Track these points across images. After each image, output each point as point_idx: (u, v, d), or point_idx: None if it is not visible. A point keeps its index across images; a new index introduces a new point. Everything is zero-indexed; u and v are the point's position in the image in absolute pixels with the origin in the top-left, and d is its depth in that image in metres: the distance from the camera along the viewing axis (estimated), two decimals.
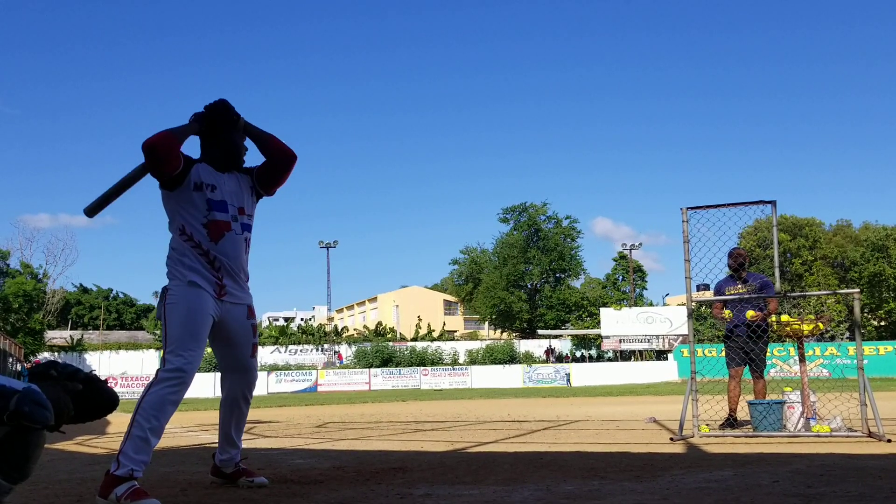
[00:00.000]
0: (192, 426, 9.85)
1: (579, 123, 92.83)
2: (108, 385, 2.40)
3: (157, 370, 3.36)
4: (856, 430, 5.90)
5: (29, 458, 2.03)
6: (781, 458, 4.53)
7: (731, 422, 6.85)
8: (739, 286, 7.25)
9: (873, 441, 5.47)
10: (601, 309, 44.60)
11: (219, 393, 3.94)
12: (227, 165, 3.71)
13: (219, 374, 3.90)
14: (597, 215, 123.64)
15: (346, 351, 48.17)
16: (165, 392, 3.28)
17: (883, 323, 46.72)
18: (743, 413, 6.95)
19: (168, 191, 3.55)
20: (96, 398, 2.27)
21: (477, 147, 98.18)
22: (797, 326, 6.34)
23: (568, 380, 37.07)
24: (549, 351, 46.79)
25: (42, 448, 2.11)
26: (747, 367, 7.06)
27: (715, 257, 7.20)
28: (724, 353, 7.27)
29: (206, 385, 28.47)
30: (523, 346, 47.82)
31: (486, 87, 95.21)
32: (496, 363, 42.84)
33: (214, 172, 3.63)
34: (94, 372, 2.38)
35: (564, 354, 47.74)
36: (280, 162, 3.77)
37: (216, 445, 3.82)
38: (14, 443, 1.98)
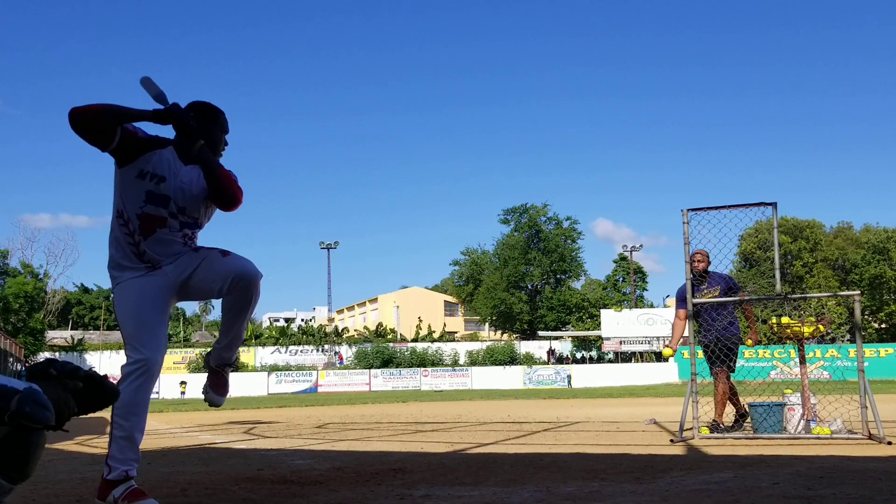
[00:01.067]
0: (192, 426, 9.84)
1: (580, 124, 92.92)
2: (109, 380, 2.40)
3: (121, 366, 3.29)
4: (856, 433, 5.90)
5: (30, 459, 2.03)
6: (781, 460, 4.53)
7: (734, 422, 6.86)
8: (704, 289, 7.04)
9: (874, 443, 5.47)
10: (601, 310, 44.64)
11: None
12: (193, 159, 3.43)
13: None
14: (597, 216, 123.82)
15: (347, 352, 48.17)
16: (133, 387, 3.23)
17: (884, 325, 46.68)
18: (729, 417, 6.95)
19: (117, 166, 3.34)
20: (98, 395, 2.27)
21: (477, 148, 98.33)
22: (798, 328, 6.34)
23: (569, 381, 37.09)
24: (551, 352, 46.79)
25: (43, 448, 2.11)
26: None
27: (715, 259, 7.21)
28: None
29: None
30: (524, 347, 47.81)
31: (486, 87, 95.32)
32: (496, 364, 42.85)
33: (176, 162, 3.37)
34: (93, 369, 2.37)
35: (565, 356, 47.74)
36: (219, 202, 3.47)
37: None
38: (15, 443, 1.98)
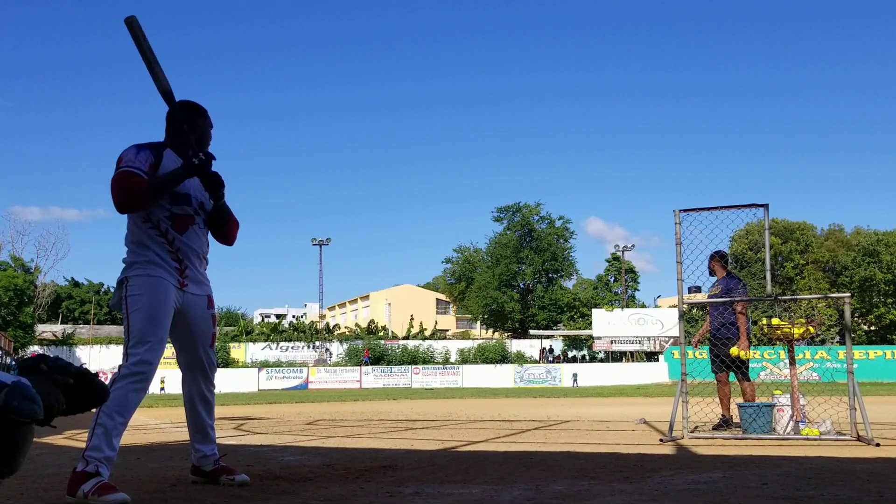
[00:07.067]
0: (181, 422, 9.81)
1: (573, 124, 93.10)
2: (99, 379, 2.39)
3: (120, 366, 3.28)
4: (845, 434, 5.93)
5: (17, 453, 2.02)
6: (770, 460, 4.55)
7: (727, 421, 6.89)
8: (711, 288, 7.33)
9: (862, 445, 5.50)
10: (593, 310, 44.72)
11: None
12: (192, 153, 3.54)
13: None
14: (590, 216, 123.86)
15: (338, 348, 48.08)
16: (130, 388, 3.22)
17: (873, 328, 46.94)
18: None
19: None
20: (87, 392, 2.25)
21: (471, 146, 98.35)
22: (787, 330, 6.36)
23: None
24: (548, 350, 46.79)
25: (31, 442, 2.10)
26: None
27: (708, 260, 7.25)
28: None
29: None
30: (515, 345, 47.84)
31: (481, 86, 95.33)
32: (487, 363, 42.92)
33: (179, 161, 3.48)
34: (84, 366, 2.36)
35: (557, 354, 47.78)
36: (219, 239, 3.78)
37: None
38: (2, 437, 1.96)
